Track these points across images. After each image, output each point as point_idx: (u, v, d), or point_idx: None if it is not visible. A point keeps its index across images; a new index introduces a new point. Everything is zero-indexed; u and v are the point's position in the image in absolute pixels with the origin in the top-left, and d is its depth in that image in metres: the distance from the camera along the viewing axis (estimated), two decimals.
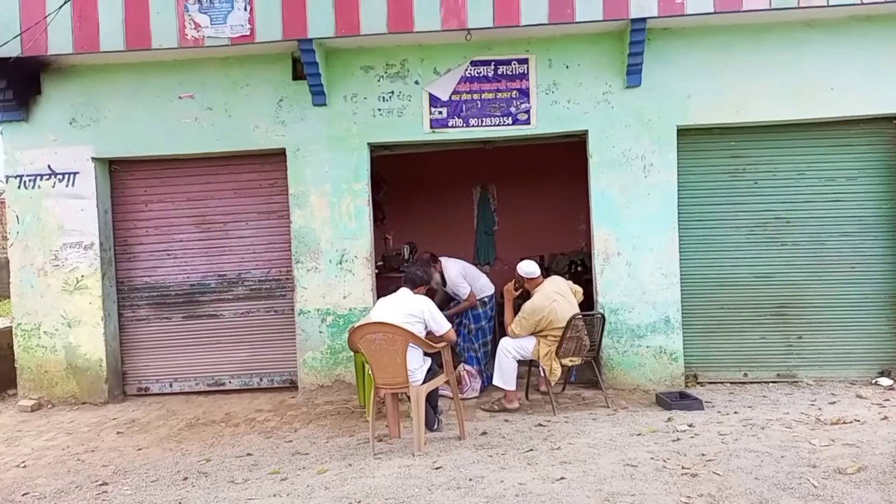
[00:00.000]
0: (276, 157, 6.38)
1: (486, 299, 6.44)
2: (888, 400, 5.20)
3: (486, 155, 7.51)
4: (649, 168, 6.04)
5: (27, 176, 6.40)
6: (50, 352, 6.40)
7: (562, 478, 3.45)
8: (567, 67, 6.08)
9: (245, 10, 5.78)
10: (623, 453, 3.84)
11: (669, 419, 4.83)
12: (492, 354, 5.91)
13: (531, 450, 4.14)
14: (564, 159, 7.74)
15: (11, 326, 6.61)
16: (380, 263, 6.94)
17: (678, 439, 4.10)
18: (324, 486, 3.70)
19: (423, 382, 4.53)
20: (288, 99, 6.25)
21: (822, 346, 6.11)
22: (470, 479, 3.54)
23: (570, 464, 3.71)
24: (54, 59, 6.21)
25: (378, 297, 5.47)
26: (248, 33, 5.81)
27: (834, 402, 5.21)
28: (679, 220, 6.06)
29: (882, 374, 5.98)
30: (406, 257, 7.38)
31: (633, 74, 5.93)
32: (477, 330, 6.37)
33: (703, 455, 3.65)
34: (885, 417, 4.34)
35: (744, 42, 5.96)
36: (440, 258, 6.33)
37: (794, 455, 3.52)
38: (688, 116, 6.00)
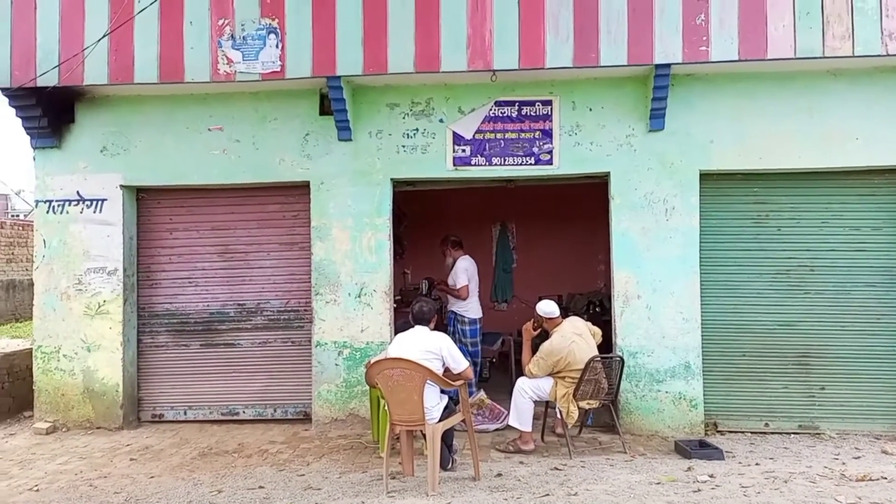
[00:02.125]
0: (300, 190, 6.45)
1: (462, 318, 6.92)
2: None
3: (506, 193, 7.54)
4: (671, 211, 6.02)
5: (56, 201, 6.51)
6: (68, 375, 6.43)
7: None
8: (590, 110, 6.12)
9: (277, 47, 5.91)
10: (642, 503, 3.74)
11: (689, 468, 4.72)
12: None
13: (547, 494, 4.06)
14: (584, 200, 7.75)
15: (31, 349, 6.65)
16: (398, 298, 6.93)
17: (699, 490, 4.00)
18: None
19: (440, 421, 4.48)
20: (314, 133, 6.34)
21: (846, 398, 5.96)
22: None
23: None
24: (89, 90, 6.36)
25: (396, 332, 5.47)
26: (278, 69, 5.92)
27: (858, 458, 5.07)
28: (701, 265, 6.00)
29: None
30: (424, 292, 7.38)
31: (657, 119, 5.95)
32: (472, 346, 6.67)
33: None
34: None
35: (768, 89, 5.97)
36: (462, 248, 7.08)
37: None
38: (711, 161, 5.99)
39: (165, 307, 6.69)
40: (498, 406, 6.18)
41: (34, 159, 6.59)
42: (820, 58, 5.64)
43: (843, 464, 4.75)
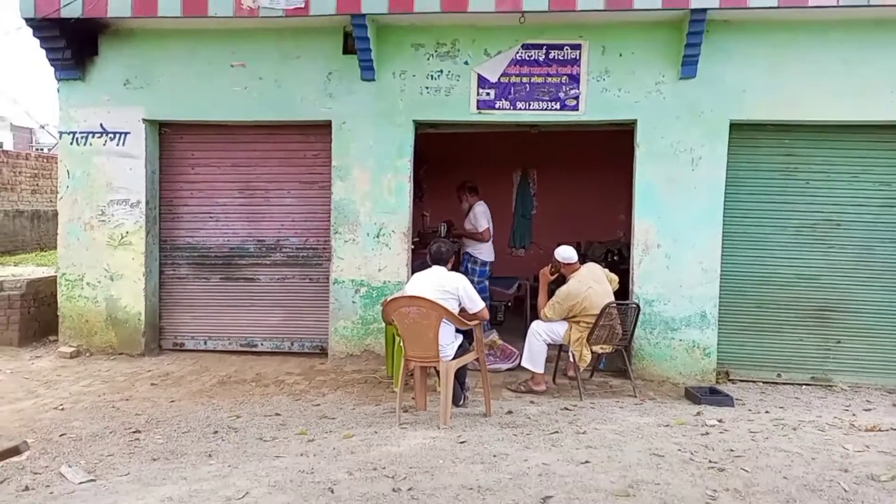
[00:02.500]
0: (322, 130, 6.42)
1: (475, 259, 7.05)
2: None
3: (528, 139, 7.46)
4: (698, 161, 5.92)
5: (80, 133, 6.56)
6: (91, 302, 6.59)
7: (586, 461, 3.43)
8: (620, 55, 5.98)
9: None
10: (649, 443, 3.80)
11: (699, 413, 4.77)
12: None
13: (556, 432, 4.13)
14: (608, 148, 7.65)
15: (56, 276, 6.82)
16: (416, 240, 6.97)
17: (707, 433, 4.05)
18: (349, 450, 3.75)
19: (454, 358, 4.55)
20: (337, 72, 6.27)
21: (861, 352, 5.96)
22: (494, 456, 3.55)
23: (595, 448, 3.69)
24: (113, 22, 6.33)
25: (412, 273, 5.52)
26: (302, 6, 5.82)
27: (869, 409, 5.09)
28: (724, 216, 5.94)
29: None
30: (443, 235, 7.41)
31: (689, 65, 5.80)
32: (478, 285, 6.66)
33: (732, 451, 3.59)
34: None
35: (805, 39, 5.78)
36: (478, 193, 7.24)
37: (826, 458, 3.44)
38: (742, 111, 5.86)
39: (187, 240, 6.79)
40: (509, 347, 6.26)
41: (58, 91, 6.62)
42: (864, 6, 5.42)
43: (854, 415, 4.77)
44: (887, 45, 5.70)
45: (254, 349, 6.73)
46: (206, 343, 6.78)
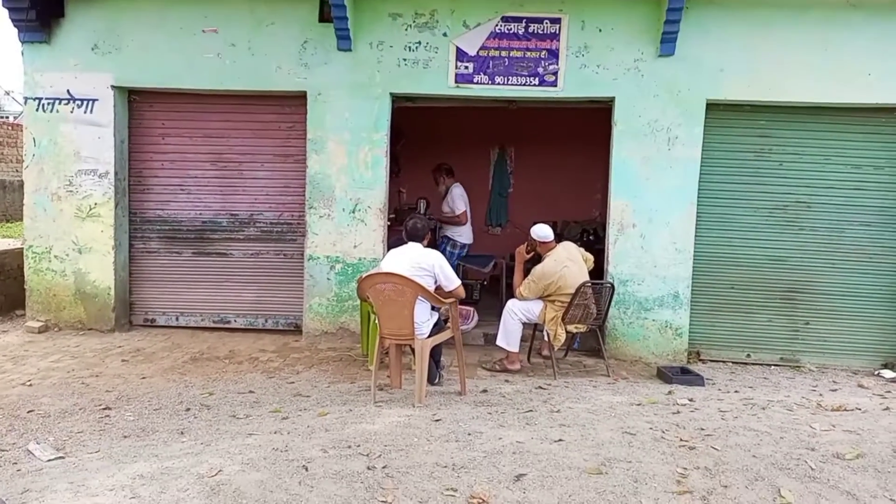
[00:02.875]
0: (297, 101, 6.30)
1: (454, 243, 7.10)
2: (890, 392, 5.19)
3: (506, 115, 7.40)
4: (674, 141, 5.94)
5: (46, 99, 6.35)
6: (59, 276, 6.45)
7: (560, 440, 3.47)
8: (600, 31, 5.93)
9: None
10: (622, 421, 3.85)
11: (670, 392, 4.85)
12: None
13: (530, 410, 4.16)
14: (585, 126, 7.64)
15: (23, 248, 6.64)
16: (392, 216, 6.92)
17: (678, 412, 4.11)
18: (324, 427, 3.74)
19: (429, 336, 4.54)
20: (312, 41, 6.13)
21: (828, 334, 6.09)
22: (469, 434, 3.57)
23: (568, 427, 3.73)
24: None
25: (388, 250, 5.48)
26: None
27: (835, 390, 5.22)
28: (698, 196, 5.98)
29: (886, 366, 5.97)
30: (423, 212, 7.37)
31: (668, 43, 5.78)
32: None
33: (702, 429, 3.65)
34: (887, 408, 4.33)
35: (784, 18, 5.79)
36: (454, 175, 7.27)
37: (794, 437, 3.52)
38: (719, 91, 5.87)
39: (157, 213, 6.65)
40: (464, 307, 6.21)
41: (22, 54, 6.38)
42: None
43: (821, 395, 4.89)
44: (864, 28, 5.74)
45: (227, 325, 6.65)
46: (178, 319, 6.68)
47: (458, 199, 7.11)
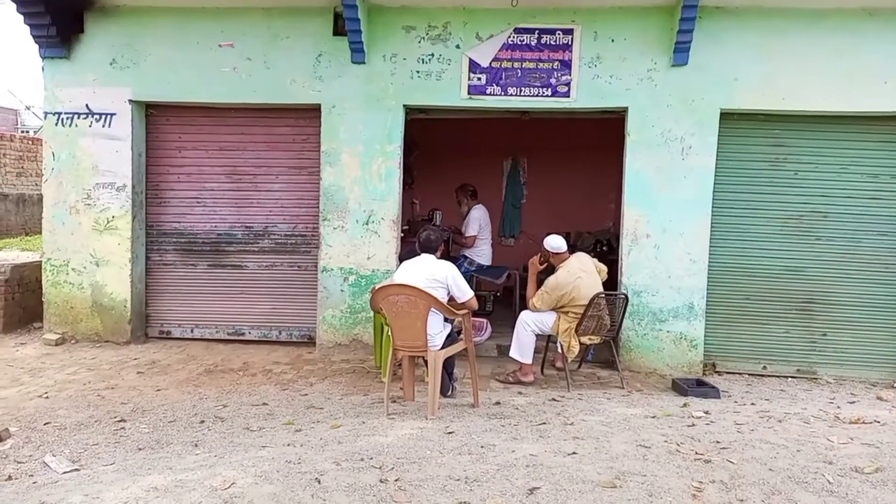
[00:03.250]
0: (311, 113, 6.36)
1: (472, 262, 7.16)
2: None
3: (519, 126, 7.42)
4: (688, 151, 5.92)
5: (65, 114, 6.46)
6: (77, 289, 6.52)
7: (573, 452, 3.44)
8: (612, 41, 5.94)
9: None
10: (636, 434, 3.82)
11: (685, 405, 4.80)
12: None
13: (544, 423, 4.14)
14: (598, 136, 7.63)
15: (41, 261, 6.74)
16: (405, 227, 6.94)
17: (693, 425, 4.07)
18: (337, 440, 3.74)
19: (442, 348, 4.54)
20: (327, 55, 6.20)
21: (846, 345, 6.01)
22: (482, 447, 3.55)
23: (582, 440, 3.71)
24: None
25: (400, 260, 5.49)
26: None
27: (853, 402, 5.14)
28: (713, 206, 5.95)
29: None
30: (437, 223, 7.40)
31: (681, 52, 5.78)
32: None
33: (718, 442, 3.61)
34: None
35: (798, 27, 5.77)
36: (477, 197, 7.36)
37: (811, 450, 3.47)
38: (733, 100, 5.85)
39: (174, 226, 6.72)
40: (478, 319, 6.20)
41: (43, 69, 6.50)
42: None
43: (838, 407, 4.82)
44: (880, 35, 5.70)
45: (241, 337, 6.69)
46: (192, 331, 6.73)
47: (472, 222, 7.19)
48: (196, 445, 3.89)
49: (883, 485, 3.03)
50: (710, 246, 5.97)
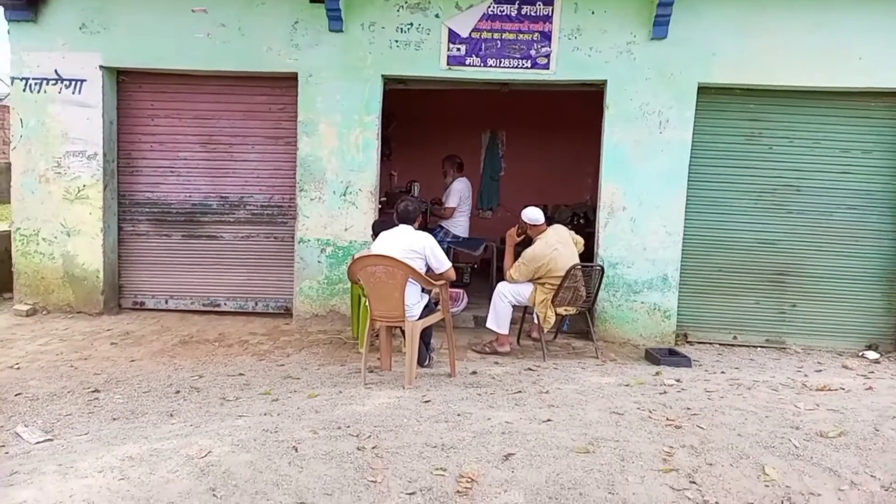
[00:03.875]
0: (288, 82, 6.25)
1: (448, 232, 7.20)
2: (873, 372, 5.25)
3: (498, 99, 7.39)
4: (665, 124, 5.93)
5: (33, 79, 6.27)
6: (48, 259, 6.40)
7: (548, 420, 3.49)
8: (593, 13, 5.90)
9: None
10: (610, 401, 3.88)
11: (657, 373, 4.89)
12: None
13: (519, 392, 4.19)
14: (577, 110, 7.61)
15: (10, 231, 6.59)
16: (383, 199, 6.90)
17: (665, 392, 4.15)
18: (314, 409, 3.75)
19: (419, 318, 4.55)
20: (304, 22, 6.07)
21: (814, 316, 6.14)
22: (458, 415, 3.59)
23: (556, 407, 3.76)
24: None
25: (375, 231, 5.46)
26: None
27: (820, 371, 5.27)
28: (689, 180, 5.99)
29: (869, 347, 6.03)
30: (416, 195, 7.36)
31: (660, 26, 5.76)
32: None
33: (689, 409, 3.69)
34: (870, 388, 4.39)
35: (776, 2, 5.77)
36: (462, 170, 7.40)
37: (778, 416, 3.56)
38: (711, 74, 5.87)
39: (147, 195, 6.60)
40: (455, 290, 6.22)
41: (9, 33, 6.28)
42: None
43: (806, 375, 4.94)
44: (856, 11, 5.73)
45: (217, 308, 6.64)
46: (167, 302, 6.66)
47: (452, 194, 7.21)
48: (171, 415, 3.87)
49: (846, 448, 3.13)
50: (686, 219, 6.03)
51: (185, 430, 3.47)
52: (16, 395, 4.27)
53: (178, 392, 4.36)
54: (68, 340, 5.61)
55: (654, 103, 5.93)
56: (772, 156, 6.04)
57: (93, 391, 4.36)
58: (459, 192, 7.24)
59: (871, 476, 2.86)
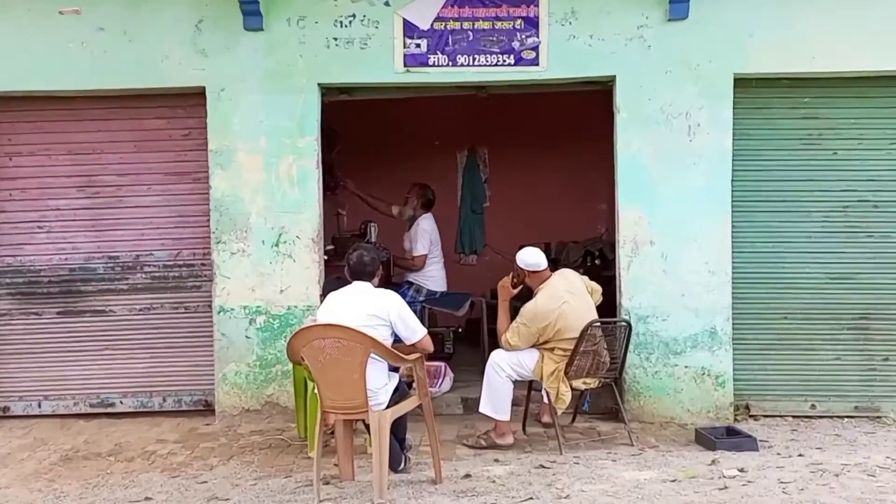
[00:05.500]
0: (193, 99, 6.33)
1: (419, 289, 7.21)
2: None
3: (476, 107, 7.52)
4: (696, 129, 6.08)
5: None
6: None
7: None
8: None
9: None
10: None
11: (713, 462, 4.89)
12: None
13: (530, 498, 4.18)
14: (581, 116, 7.77)
15: None
16: (330, 248, 6.92)
17: (725, 488, 4.16)
18: None
19: (388, 406, 4.52)
20: (210, 20, 6.18)
21: None
22: None
23: None
24: None
25: (323, 291, 5.47)
26: None
27: None
28: (732, 200, 6.11)
29: None
30: (373, 240, 7.38)
31: (679, 2, 5.94)
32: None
33: None
34: None
35: None
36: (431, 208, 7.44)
37: None
38: (748, 62, 6.05)
39: (6, 261, 6.57)
40: (434, 363, 6.22)
41: None
42: None
43: None
44: None
45: (110, 410, 6.56)
46: (40, 406, 6.57)
47: (421, 235, 7.18)
48: None
49: None
50: (733, 252, 6.12)
51: None
52: None
53: None
54: None
55: (680, 103, 6.09)
56: (837, 163, 6.19)
57: None
58: (429, 234, 7.25)
59: None
